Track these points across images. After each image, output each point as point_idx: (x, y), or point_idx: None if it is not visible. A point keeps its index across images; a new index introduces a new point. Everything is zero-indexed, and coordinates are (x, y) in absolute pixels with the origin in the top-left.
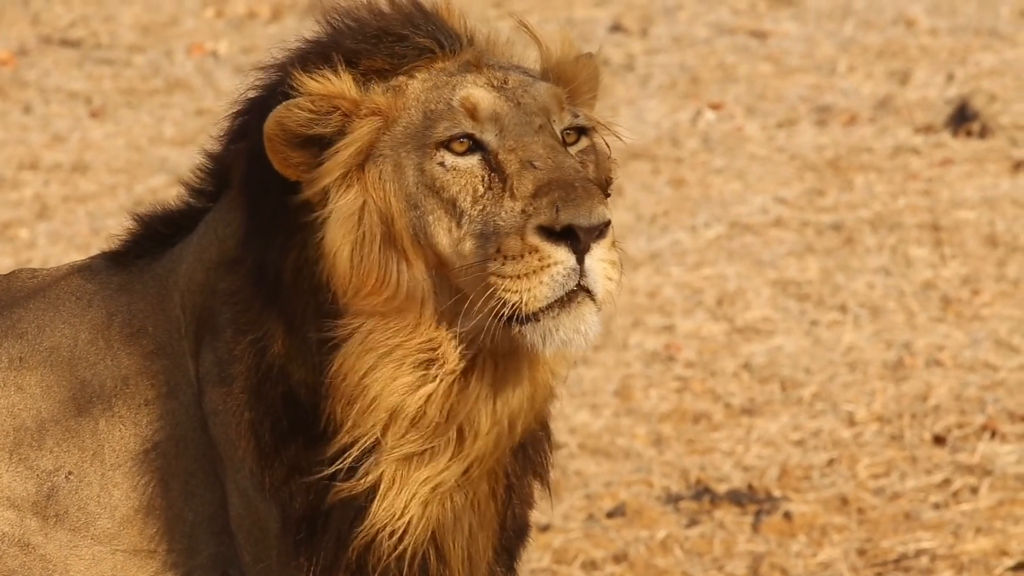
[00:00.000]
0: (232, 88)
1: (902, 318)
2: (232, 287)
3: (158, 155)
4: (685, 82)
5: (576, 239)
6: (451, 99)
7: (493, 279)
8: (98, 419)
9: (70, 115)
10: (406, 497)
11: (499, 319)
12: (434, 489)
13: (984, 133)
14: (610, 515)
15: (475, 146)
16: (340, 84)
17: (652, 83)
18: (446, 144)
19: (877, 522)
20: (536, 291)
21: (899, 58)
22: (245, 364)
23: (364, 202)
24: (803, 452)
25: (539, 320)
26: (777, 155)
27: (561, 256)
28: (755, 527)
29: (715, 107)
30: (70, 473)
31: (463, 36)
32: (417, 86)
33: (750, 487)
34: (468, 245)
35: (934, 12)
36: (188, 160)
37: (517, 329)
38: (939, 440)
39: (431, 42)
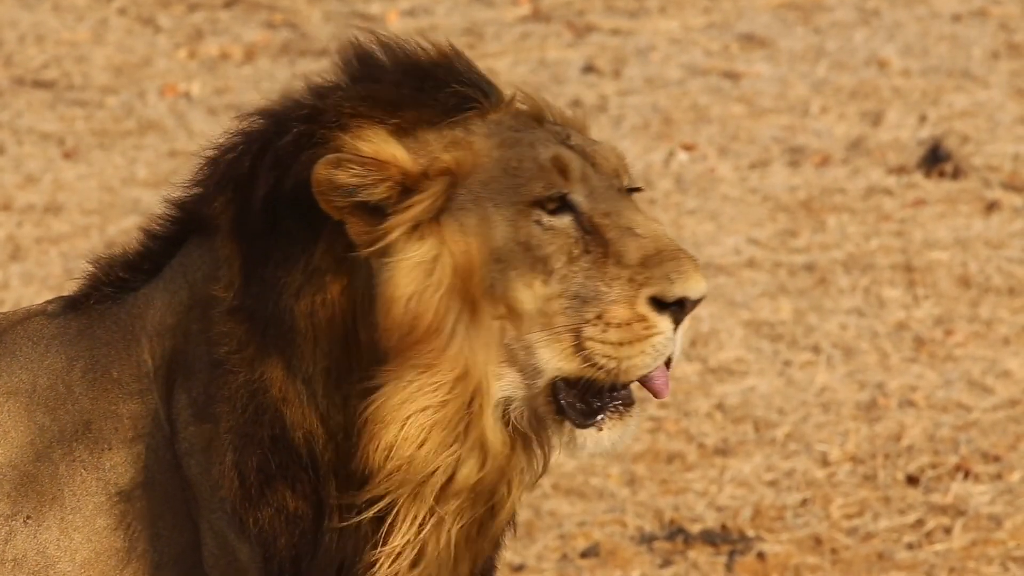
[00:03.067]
0: (205, 129)
1: (875, 359)
2: (223, 328)
3: (131, 196)
4: (658, 123)
5: (681, 310)
6: (537, 157)
7: (590, 344)
8: (58, 464)
9: (43, 156)
10: (406, 539)
11: (553, 398)
12: (434, 527)
13: (957, 174)
14: (584, 555)
15: (565, 206)
16: (391, 149)
17: (625, 124)
18: (541, 203)
19: (850, 562)
20: (636, 360)
21: (872, 99)
22: (231, 404)
23: (438, 254)
24: (776, 492)
25: (597, 427)
26: (750, 196)
27: (665, 326)
28: (729, 567)
29: (688, 148)
30: (28, 517)
31: (494, 85)
32: (482, 141)
33: (724, 527)
34: (557, 305)
35: (906, 53)
36: (161, 201)
37: (568, 427)
38: (912, 480)
39: (474, 91)
